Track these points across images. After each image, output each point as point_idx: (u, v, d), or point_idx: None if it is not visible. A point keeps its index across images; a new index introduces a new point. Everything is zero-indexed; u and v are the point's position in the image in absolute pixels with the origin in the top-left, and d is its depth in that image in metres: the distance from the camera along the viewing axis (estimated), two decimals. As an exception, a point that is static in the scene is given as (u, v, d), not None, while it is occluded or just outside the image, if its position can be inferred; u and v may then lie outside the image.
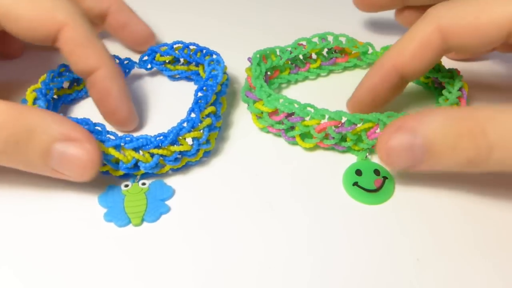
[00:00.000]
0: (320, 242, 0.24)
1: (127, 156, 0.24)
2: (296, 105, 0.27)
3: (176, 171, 0.27)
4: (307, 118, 0.27)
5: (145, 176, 0.26)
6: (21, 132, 0.22)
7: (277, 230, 0.24)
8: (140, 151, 0.25)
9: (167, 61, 0.33)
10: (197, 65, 0.33)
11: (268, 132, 0.29)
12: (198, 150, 0.26)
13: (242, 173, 0.27)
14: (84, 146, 0.22)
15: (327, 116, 0.27)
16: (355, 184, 0.26)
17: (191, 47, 0.32)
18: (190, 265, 0.22)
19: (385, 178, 0.26)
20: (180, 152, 0.26)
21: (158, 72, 0.34)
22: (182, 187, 0.26)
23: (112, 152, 0.24)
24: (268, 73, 0.32)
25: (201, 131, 0.26)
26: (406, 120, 0.22)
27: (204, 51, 0.32)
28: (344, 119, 0.27)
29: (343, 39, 0.35)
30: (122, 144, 0.24)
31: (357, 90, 0.28)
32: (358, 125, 0.27)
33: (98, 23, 0.34)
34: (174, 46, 0.33)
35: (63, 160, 0.22)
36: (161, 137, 0.25)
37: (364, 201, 0.26)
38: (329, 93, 0.33)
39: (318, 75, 0.35)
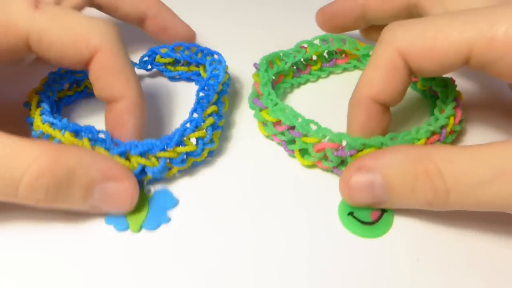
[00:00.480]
0: (306, 267, 0.23)
1: (133, 162, 0.24)
2: (299, 119, 0.27)
3: (182, 172, 0.27)
4: (309, 134, 0.26)
5: (152, 181, 0.26)
6: (61, 176, 0.21)
7: (265, 249, 0.24)
8: (146, 156, 0.25)
9: (167, 62, 0.33)
10: (197, 65, 0.33)
11: (272, 140, 0.29)
12: (203, 150, 0.26)
13: (240, 181, 0.27)
14: (124, 183, 0.23)
15: (327, 137, 0.26)
16: (350, 214, 0.25)
17: (192, 48, 0.32)
18: (185, 275, 0.23)
19: (383, 211, 0.25)
20: (186, 153, 0.26)
21: (158, 73, 0.34)
22: (188, 190, 0.26)
23: (118, 159, 0.24)
24: (273, 78, 0.32)
25: (205, 130, 0.26)
26: (366, 159, 0.23)
27: (205, 51, 0.32)
28: (344, 143, 0.26)
29: (344, 41, 0.35)
30: (127, 151, 0.24)
31: (350, 132, 0.27)
32: (359, 150, 0.25)
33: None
34: (175, 47, 0.32)
35: (103, 198, 0.23)
36: (166, 140, 0.25)
37: (358, 234, 0.25)
38: (331, 96, 0.34)
39: (319, 77, 0.35)
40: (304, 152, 0.27)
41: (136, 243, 0.24)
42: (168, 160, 0.25)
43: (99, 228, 0.24)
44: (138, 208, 0.24)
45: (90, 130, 0.24)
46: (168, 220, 0.24)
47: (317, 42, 0.33)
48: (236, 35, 0.39)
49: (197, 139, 0.26)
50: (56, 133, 0.24)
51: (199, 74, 0.33)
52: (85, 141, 0.24)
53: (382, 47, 0.25)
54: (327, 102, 0.33)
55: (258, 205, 0.26)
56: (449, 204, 0.21)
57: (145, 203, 0.25)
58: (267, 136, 0.29)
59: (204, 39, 0.34)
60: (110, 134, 0.25)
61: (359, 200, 0.24)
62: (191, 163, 0.26)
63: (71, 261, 0.23)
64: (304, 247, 0.24)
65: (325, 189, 0.26)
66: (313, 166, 0.27)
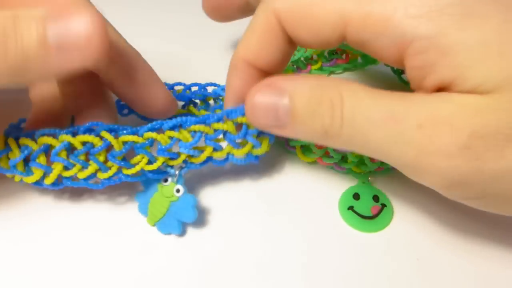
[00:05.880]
0: (306, 261, 0.23)
1: (165, 136, 0.23)
2: None
3: (218, 164, 0.25)
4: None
5: (182, 180, 0.24)
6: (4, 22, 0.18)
7: (266, 244, 0.24)
8: (180, 131, 0.23)
9: None
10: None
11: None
12: (245, 135, 0.23)
13: (241, 178, 0.27)
14: (83, 16, 0.19)
15: None
16: (350, 208, 0.25)
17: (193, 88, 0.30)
18: (185, 274, 0.22)
19: (383, 205, 0.25)
20: (224, 134, 0.23)
21: None
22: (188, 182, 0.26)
23: (150, 135, 0.22)
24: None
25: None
26: (279, 79, 0.21)
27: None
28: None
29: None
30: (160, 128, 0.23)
31: (226, 97, 0.25)
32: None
33: None
34: (175, 87, 0.30)
35: (63, 41, 0.19)
36: (206, 116, 0.23)
37: (357, 227, 0.25)
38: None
39: (319, 77, 0.34)
40: (305, 149, 0.27)
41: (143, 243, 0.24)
42: (203, 135, 0.23)
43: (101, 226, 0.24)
44: (159, 204, 0.24)
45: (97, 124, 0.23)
46: (179, 231, 0.24)
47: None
48: (236, 34, 0.38)
49: (243, 125, 0.23)
50: (66, 138, 0.22)
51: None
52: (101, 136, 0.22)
53: (261, 8, 0.23)
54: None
55: (259, 201, 0.26)
56: (342, 136, 0.20)
57: (167, 204, 0.24)
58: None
59: (202, 39, 0.32)
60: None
61: (262, 120, 0.22)
62: (227, 155, 0.24)
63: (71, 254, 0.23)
64: (305, 242, 0.24)
65: (326, 184, 0.27)
66: (314, 162, 0.28)
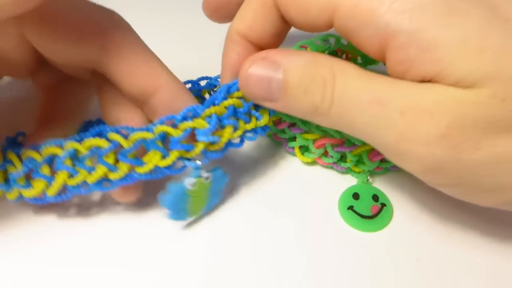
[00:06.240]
0: (306, 262, 0.23)
1: (180, 127, 0.22)
2: None
3: (235, 147, 0.24)
4: (309, 131, 0.27)
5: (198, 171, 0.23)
6: None
7: (266, 244, 0.24)
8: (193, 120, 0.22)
9: None
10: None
11: (272, 139, 0.29)
12: (248, 109, 0.23)
13: (241, 180, 0.27)
14: None
15: (328, 133, 0.26)
16: (350, 208, 0.25)
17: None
18: (186, 272, 0.22)
19: (383, 205, 0.25)
20: (234, 110, 0.23)
21: None
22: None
23: (161, 128, 0.21)
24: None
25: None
26: (274, 53, 0.22)
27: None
28: (344, 138, 0.26)
29: (345, 41, 0.34)
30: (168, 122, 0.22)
31: (222, 71, 0.25)
32: (359, 146, 0.26)
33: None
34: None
35: None
36: (211, 99, 0.23)
37: (357, 227, 0.25)
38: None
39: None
40: (304, 149, 0.27)
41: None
42: (218, 119, 0.22)
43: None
44: (198, 198, 0.23)
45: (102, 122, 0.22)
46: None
47: (318, 42, 0.33)
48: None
49: (240, 98, 0.23)
50: (72, 145, 0.21)
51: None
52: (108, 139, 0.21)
53: None
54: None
55: (259, 202, 0.26)
56: (330, 115, 0.21)
57: (205, 192, 0.23)
58: (268, 135, 0.29)
59: (202, 39, 0.32)
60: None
61: (254, 92, 0.22)
62: (244, 132, 0.23)
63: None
64: (304, 241, 0.24)
65: (325, 184, 0.27)
66: (313, 163, 0.28)
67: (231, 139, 0.23)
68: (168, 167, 0.22)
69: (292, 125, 0.27)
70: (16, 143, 0.23)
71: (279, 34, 0.24)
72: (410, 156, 0.20)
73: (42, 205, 0.24)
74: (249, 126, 0.23)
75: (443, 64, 0.18)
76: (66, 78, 0.26)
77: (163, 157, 0.22)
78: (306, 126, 0.26)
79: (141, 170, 0.21)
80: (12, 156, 0.22)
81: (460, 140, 0.19)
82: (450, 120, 0.18)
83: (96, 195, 0.25)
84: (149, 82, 0.23)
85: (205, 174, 0.23)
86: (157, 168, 0.21)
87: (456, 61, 0.18)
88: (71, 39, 0.22)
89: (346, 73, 0.21)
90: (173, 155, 0.21)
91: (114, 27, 0.23)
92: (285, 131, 0.27)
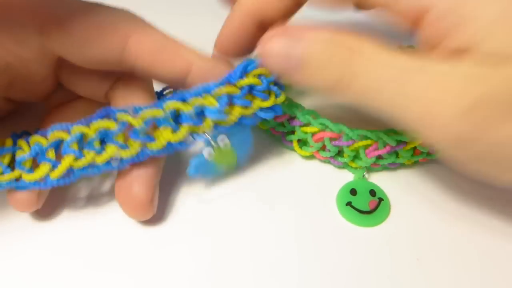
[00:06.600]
0: (305, 259, 0.23)
1: (190, 103, 0.22)
2: (299, 110, 0.27)
3: (249, 123, 0.24)
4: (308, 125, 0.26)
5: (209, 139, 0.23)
6: None
7: (264, 239, 0.24)
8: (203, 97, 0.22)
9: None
10: None
11: (270, 133, 0.29)
12: (267, 86, 0.23)
13: (238, 173, 0.26)
14: None
15: (327, 127, 0.26)
16: (349, 204, 0.25)
17: None
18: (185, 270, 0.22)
19: (380, 199, 0.25)
20: (250, 89, 0.23)
21: None
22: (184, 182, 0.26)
23: (171, 105, 0.21)
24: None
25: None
26: (295, 28, 0.22)
27: None
28: (342, 133, 0.26)
29: None
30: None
31: (219, 37, 0.26)
32: (356, 141, 0.25)
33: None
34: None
35: None
36: (226, 77, 0.23)
37: (356, 223, 0.25)
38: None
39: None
40: (302, 143, 0.27)
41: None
42: (228, 99, 0.22)
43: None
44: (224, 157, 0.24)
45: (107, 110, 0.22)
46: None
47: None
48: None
49: (260, 76, 0.23)
50: (79, 129, 0.21)
51: None
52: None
53: None
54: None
55: (256, 198, 0.25)
56: (351, 90, 0.21)
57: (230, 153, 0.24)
58: (266, 130, 0.29)
59: (202, 40, 0.32)
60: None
61: (273, 64, 0.22)
62: (259, 108, 0.23)
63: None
64: (302, 237, 0.24)
65: (323, 179, 0.27)
66: (311, 157, 0.27)
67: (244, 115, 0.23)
68: (180, 142, 0.22)
69: (292, 118, 0.27)
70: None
71: (288, 13, 0.24)
72: (434, 130, 0.20)
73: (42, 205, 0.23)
74: (267, 104, 0.23)
75: (477, 37, 0.19)
76: (76, 97, 0.26)
77: (174, 131, 0.22)
78: (305, 120, 0.26)
79: (154, 146, 0.21)
80: (21, 142, 0.22)
81: (486, 116, 0.19)
82: (476, 96, 0.18)
83: (97, 196, 0.25)
84: (180, 64, 0.23)
85: (219, 142, 0.23)
86: (168, 143, 0.22)
87: (491, 36, 0.19)
88: (94, 36, 0.22)
89: (368, 48, 0.21)
90: (183, 129, 0.21)
91: (131, 21, 0.23)
92: (285, 124, 0.27)
